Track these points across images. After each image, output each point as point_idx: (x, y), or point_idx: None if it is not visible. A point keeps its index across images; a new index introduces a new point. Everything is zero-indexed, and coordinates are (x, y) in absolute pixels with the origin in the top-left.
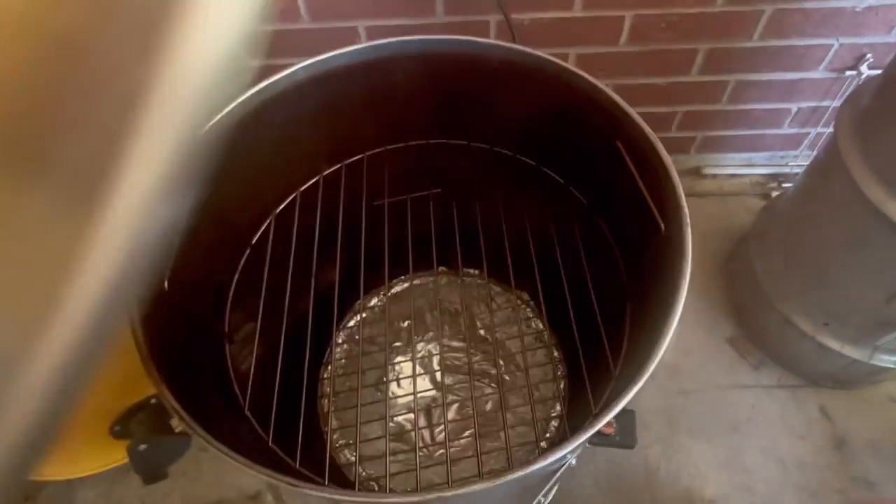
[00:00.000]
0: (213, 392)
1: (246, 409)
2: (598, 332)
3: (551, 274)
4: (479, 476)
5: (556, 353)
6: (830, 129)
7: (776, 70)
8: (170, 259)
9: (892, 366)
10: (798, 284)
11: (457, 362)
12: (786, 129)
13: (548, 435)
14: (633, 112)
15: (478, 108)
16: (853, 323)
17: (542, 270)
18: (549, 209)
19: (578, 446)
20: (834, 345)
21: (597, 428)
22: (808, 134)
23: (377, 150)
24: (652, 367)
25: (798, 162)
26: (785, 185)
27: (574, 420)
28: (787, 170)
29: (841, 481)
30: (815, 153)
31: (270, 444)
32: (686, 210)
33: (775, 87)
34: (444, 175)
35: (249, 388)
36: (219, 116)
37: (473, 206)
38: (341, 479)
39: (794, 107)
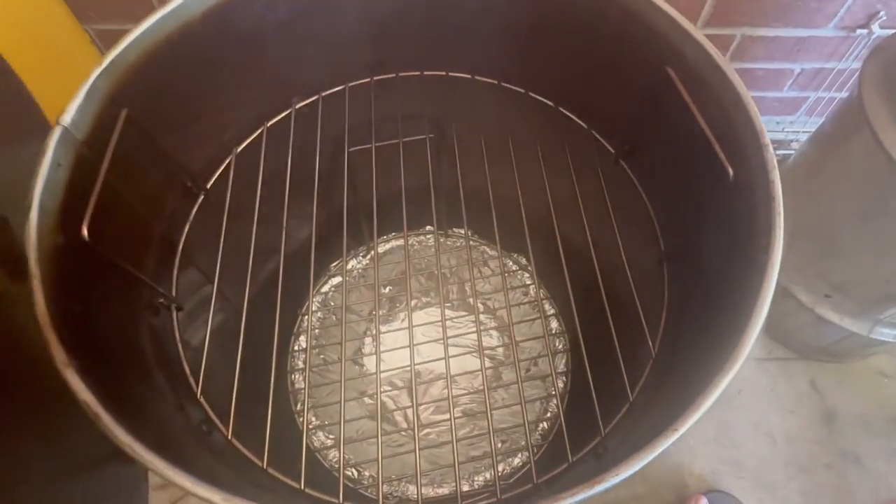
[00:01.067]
0: (155, 371)
1: (199, 393)
2: (621, 302)
3: (552, 236)
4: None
5: (557, 324)
6: (833, 93)
7: (787, 25)
8: (90, 196)
9: (891, 339)
10: (800, 255)
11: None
12: (786, 92)
13: (548, 415)
14: (694, 29)
15: (486, 33)
16: (857, 296)
17: (543, 232)
18: (562, 159)
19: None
20: (833, 317)
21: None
22: (808, 98)
23: (362, 81)
24: (742, 357)
25: (794, 128)
26: (780, 151)
27: (578, 402)
28: (782, 136)
29: (830, 455)
30: (824, 118)
31: (230, 437)
32: (771, 150)
33: (781, 44)
34: (439, 117)
35: (203, 366)
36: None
37: (472, 156)
38: (316, 470)
39: (797, 67)
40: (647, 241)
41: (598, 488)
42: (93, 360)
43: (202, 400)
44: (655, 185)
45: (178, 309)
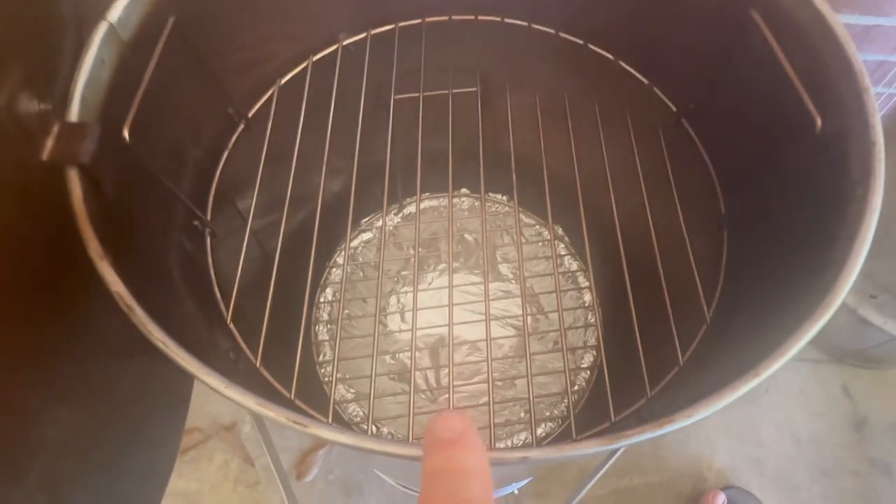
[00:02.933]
0: (184, 294)
1: (229, 319)
2: (672, 269)
3: (599, 204)
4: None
5: (591, 297)
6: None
7: (853, 11)
8: (132, 99)
9: None
10: None
11: (472, 298)
12: None
13: (575, 388)
14: None
15: None
16: None
17: (588, 200)
18: (620, 118)
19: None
20: (877, 319)
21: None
22: None
23: (414, 22)
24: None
25: None
26: None
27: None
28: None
29: (857, 462)
30: (883, 113)
31: (258, 365)
32: (872, 93)
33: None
34: (490, 69)
35: (234, 294)
36: None
37: (522, 116)
38: (337, 419)
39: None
40: (706, 205)
41: (669, 428)
42: (126, 263)
43: (232, 326)
44: (719, 145)
45: (212, 235)
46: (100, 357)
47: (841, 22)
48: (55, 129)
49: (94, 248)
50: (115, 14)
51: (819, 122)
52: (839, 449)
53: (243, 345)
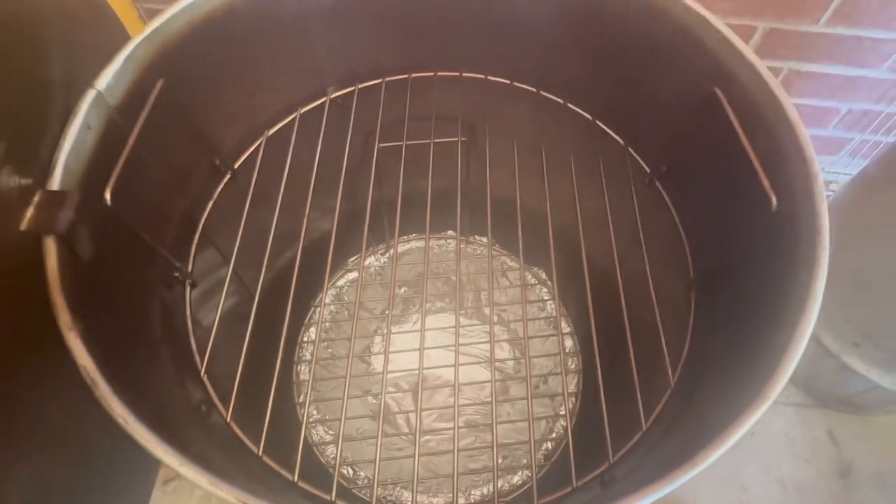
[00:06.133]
0: (160, 346)
1: (203, 371)
2: (642, 326)
3: (576, 252)
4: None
5: (571, 344)
6: (880, 137)
7: (836, 63)
8: (116, 162)
9: None
10: (830, 299)
11: (453, 340)
12: (830, 131)
13: (553, 435)
14: (748, 50)
15: (528, 39)
16: (888, 346)
17: (566, 248)
18: (595, 174)
19: None
20: (860, 367)
21: None
22: (852, 140)
23: (400, 77)
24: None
25: (835, 169)
26: None
27: (587, 426)
28: (822, 176)
29: None
30: (868, 160)
31: (229, 420)
32: (820, 180)
33: (830, 82)
34: (472, 121)
35: (210, 346)
36: None
37: (502, 164)
38: (311, 465)
39: (844, 107)
40: (676, 266)
41: None
42: (98, 325)
43: (205, 378)
44: (690, 209)
45: (192, 285)
46: (68, 408)
47: (795, 104)
48: (35, 198)
49: (63, 319)
50: (103, 82)
51: (775, 201)
52: (825, 496)
53: (215, 398)
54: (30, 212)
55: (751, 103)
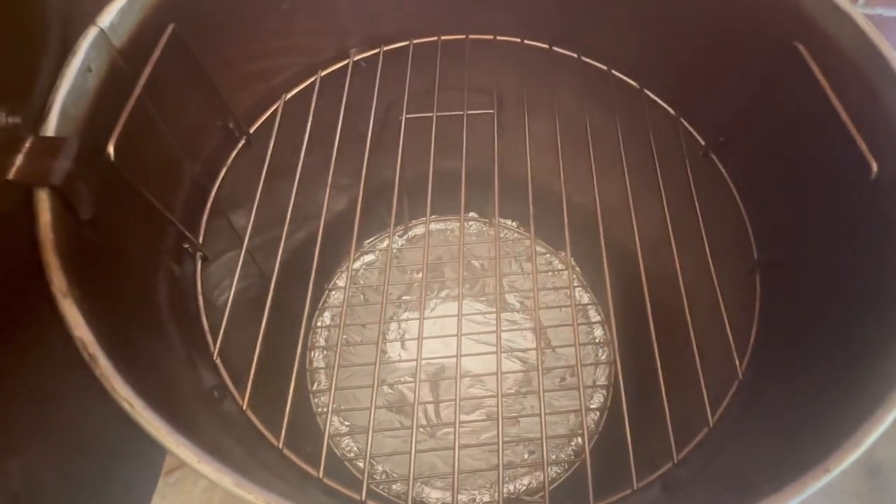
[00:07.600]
0: (168, 326)
1: (216, 353)
2: (695, 314)
3: (617, 235)
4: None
5: (603, 332)
6: None
7: None
8: (120, 112)
9: None
10: None
11: (477, 328)
12: None
13: (581, 431)
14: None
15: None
16: None
17: (606, 231)
18: (643, 150)
19: None
20: None
21: None
22: None
23: (429, 39)
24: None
25: None
26: None
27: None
28: None
29: None
30: None
31: (245, 408)
32: None
33: None
34: (506, 92)
35: (223, 324)
36: None
37: (538, 141)
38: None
39: None
40: (736, 246)
41: None
42: (98, 295)
43: (218, 361)
44: (753, 183)
45: (203, 258)
46: (62, 394)
47: None
48: (27, 144)
49: (57, 283)
50: (107, 19)
51: (875, 167)
52: (852, 497)
53: (230, 383)
54: (19, 159)
55: (842, 58)
